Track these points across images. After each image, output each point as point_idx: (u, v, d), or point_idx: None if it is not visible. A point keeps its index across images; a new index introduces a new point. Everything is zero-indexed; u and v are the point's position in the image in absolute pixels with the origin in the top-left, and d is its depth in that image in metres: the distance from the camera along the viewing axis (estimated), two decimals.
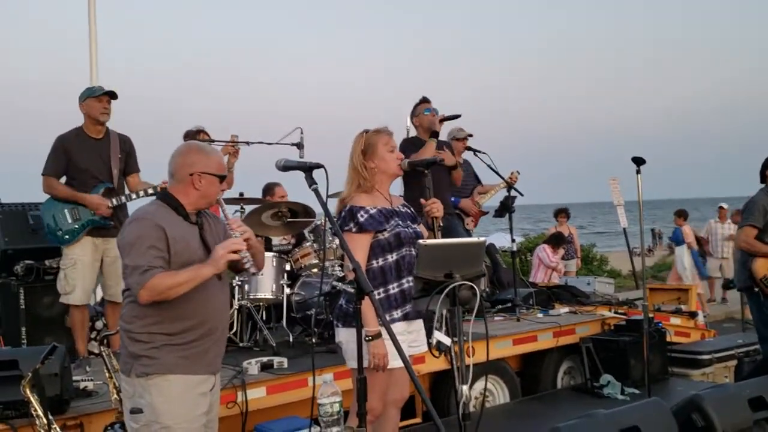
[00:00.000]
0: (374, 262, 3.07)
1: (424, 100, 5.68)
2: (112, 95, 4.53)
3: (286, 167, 2.65)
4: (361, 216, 3.04)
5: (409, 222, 3.20)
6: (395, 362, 2.92)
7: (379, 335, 2.89)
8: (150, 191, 4.50)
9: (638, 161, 4.98)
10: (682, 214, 11.95)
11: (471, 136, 6.36)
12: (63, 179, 4.47)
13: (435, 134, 5.37)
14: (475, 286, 2.56)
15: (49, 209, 4.41)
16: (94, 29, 6.93)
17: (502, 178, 6.18)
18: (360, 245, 3.00)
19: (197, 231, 2.70)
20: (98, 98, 4.47)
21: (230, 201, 5.53)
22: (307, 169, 2.58)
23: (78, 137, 4.47)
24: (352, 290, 2.43)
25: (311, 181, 2.56)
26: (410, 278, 3.01)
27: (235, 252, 2.56)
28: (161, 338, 2.58)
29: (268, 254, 5.20)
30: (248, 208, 5.38)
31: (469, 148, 6.31)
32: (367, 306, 2.65)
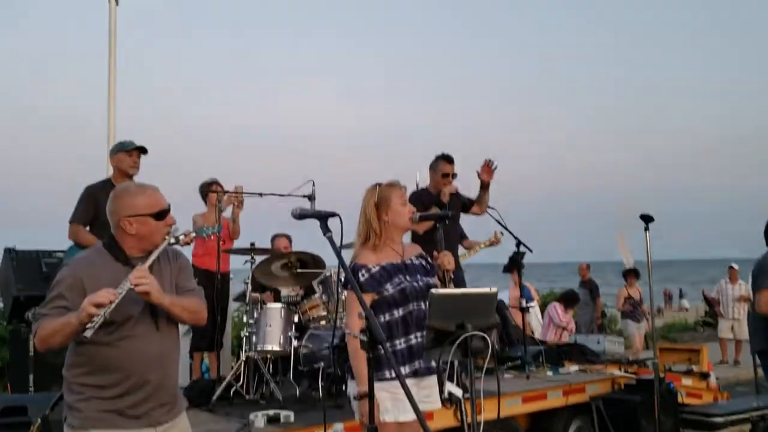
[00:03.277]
0: (381, 317, 3.03)
1: (446, 159, 5.64)
2: (143, 150, 4.68)
3: (301, 216, 2.68)
4: (362, 275, 3.03)
5: (419, 275, 3.16)
6: (406, 416, 2.89)
7: (365, 395, 2.71)
8: (172, 240, 4.56)
9: (646, 219, 5.00)
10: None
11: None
12: (87, 228, 4.56)
13: (441, 204, 5.38)
14: (487, 337, 2.56)
15: (74, 255, 4.48)
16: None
17: (514, 236, 6.07)
18: (359, 304, 2.98)
19: None
20: (129, 152, 4.64)
21: (240, 251, 5.58)
22: (322, 217, 2.61)
23: (106, 188, 4.56)
24: (365, 339, 2.43)
25: (326, 230, 2.59)
26: (419, 334, 2.99)
27: (98, 306, 2.32)
28: (90, 390, 2.48)
29: (277, 305, 5.21)
30: (259, 258, 5.41)
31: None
32: (359, 362, 2.62)
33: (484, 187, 5.64)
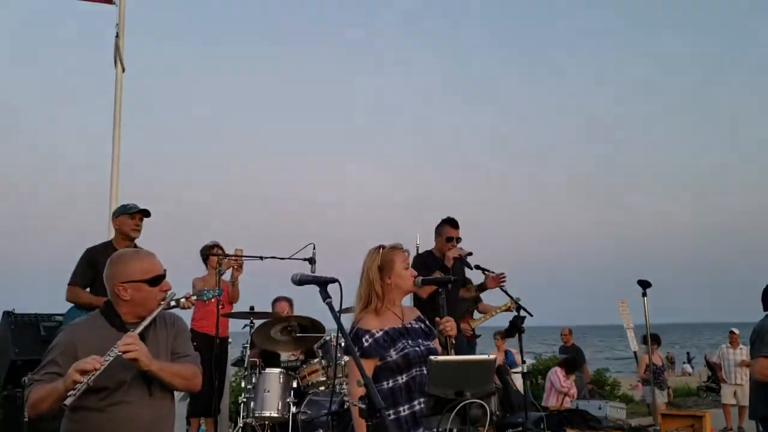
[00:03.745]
0: (384, 383, 3.00)
1: (451, 224, 5.68)
2: (146, 213, 4.71)
3: (301, 281, 2.70)
4: (366, 341, 3.00)
5: (420, 340, 3.14)
6: None
7: None
8: (173, 303, 4.58)
9: (644, 284, 5.03)
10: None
11: (470, 254, 6.41)
12: (87, 290, 4.57)
13: (445, 269, 5.39)
14: (486, 405, 2.54)
15: (73, 317, 4.48)
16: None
17: (513, 299, 6.07)
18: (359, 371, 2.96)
19: None
20: (131, 215, 4.66)
21: (240, 315, 5.57)
22: (322, 283, 2.62)
23: (107, 251, 4.60)
24: (364, 406, 2.42)
25: (325, 296, 2.60)
26: (422, 399, 2.94)
27: (82, 372, 2.33)
28: None
29: (275, 371, 5.17)
30: (258, 322, 5.40)
31: (477, 267, 6.33)
32: (359, 430, 2.59)
33: (483, 289, 5.78)
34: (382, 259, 3.12)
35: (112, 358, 2.40)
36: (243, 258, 5.90)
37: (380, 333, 3.04)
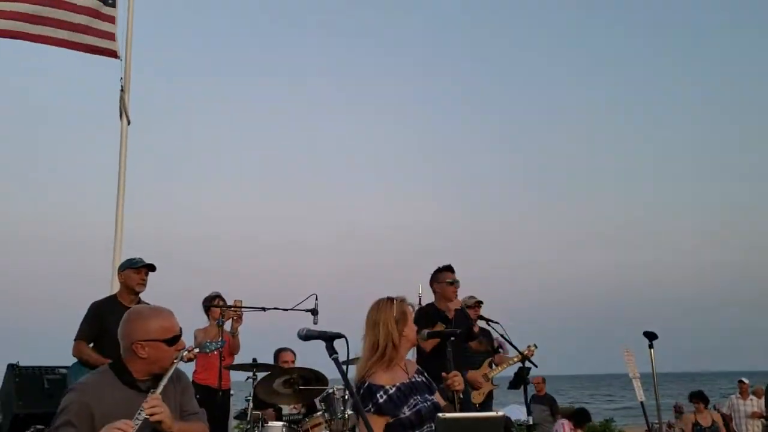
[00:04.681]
0: None
1: (448, 269, 5.63)
2: (152, 268, 4.73)
3: (308, 336, 2.71)
4: (380, 397, 2.95)
5: (426, 394, 3.10)
6: None
7: None
8: (176, 359, 4.56)
9: (650, 336, 5.01)
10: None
11: (482, 303, 6.36)
12: (91, 345, 4.56)
13: (446, 320, 5.36)
14: None
15: (77, 373, 4.46)
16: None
17: (518, 350, 6.01)
18: (375, 427, 2.86)
19: (144, 399, 2.57)
20: (137, 270, 4.67)
21: (242, 367, 5.53)
22: (328, 338, 2.64)
23: (112, 305, 4.61)
24: None
25: (332, 351, 2.61)
26: None
27: None
28: None
29: (278, 424, 5.10)
30: (260, 374, 5.36)
31: (481, 317, 6.26)
32: None
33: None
34: (399, 311, 3.07)
35: (141, 422, 2.41)
36: (245, 309, 5.89)
37: (393, 389, 2.99)
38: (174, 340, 2.64)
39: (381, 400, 2.94)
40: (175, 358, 2.65)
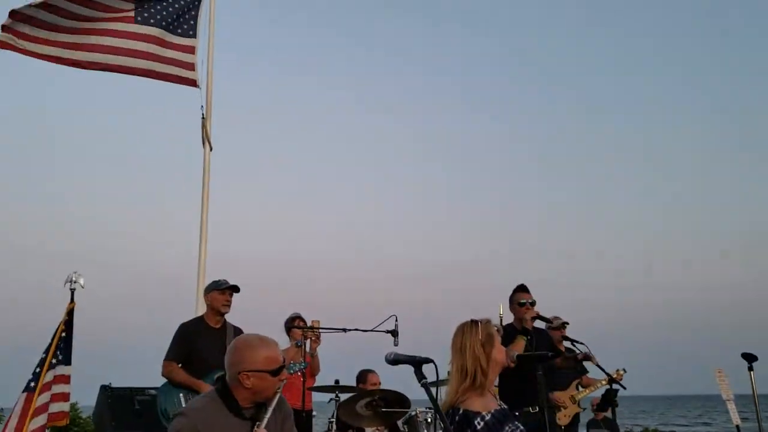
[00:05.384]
0: None
1: (522, 289, 5.53)
2: (236, 289, 4.84)
3: (396, 361, 2.67)
4: (478, 424, 2.88)
5: (516, 422, 3.02)
6: None
7: None
8: (278, 389, 4.62)
9: (749, 358, 4.74)
10: None
11: (567, 324, 6.20)
12: (180, 365, 4.67)
13: (525, 331, 5.26)
14: None
15: (166, 394, 4.58)
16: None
17: (606, 372, 5.82)
18: None
19: (248, 426, 2.63)
20: (222, 291, 4.79)
21: (324, 389, 5.54)
22: (417, 363, 2.60)
23: (199, 326, 4.75)
24: None
25: (420, 376, 2.57)
26: None
27: None
28: None
29: None
30: (343, 396, 5.36)
31: (566, 338, 6.10)
32: None
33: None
34: (485, 333, 3.01)
35: None
36: (324, 330, 5.91)
37: (489, 416, 2.93)
38: (278, 370, 2.68)
39: (479, 427, 2.88)
40: (278, 389, 2.70)
